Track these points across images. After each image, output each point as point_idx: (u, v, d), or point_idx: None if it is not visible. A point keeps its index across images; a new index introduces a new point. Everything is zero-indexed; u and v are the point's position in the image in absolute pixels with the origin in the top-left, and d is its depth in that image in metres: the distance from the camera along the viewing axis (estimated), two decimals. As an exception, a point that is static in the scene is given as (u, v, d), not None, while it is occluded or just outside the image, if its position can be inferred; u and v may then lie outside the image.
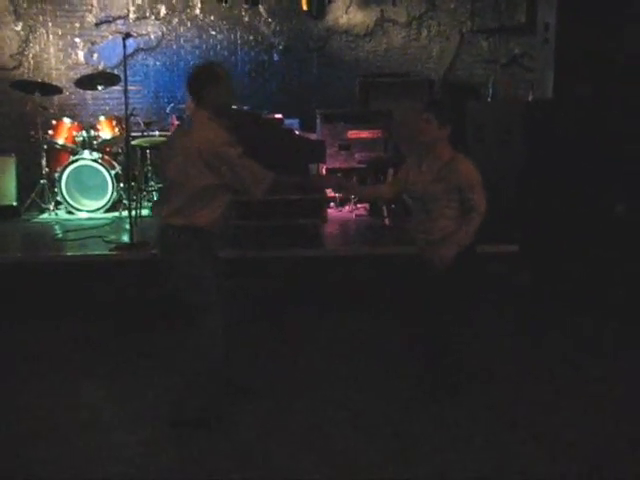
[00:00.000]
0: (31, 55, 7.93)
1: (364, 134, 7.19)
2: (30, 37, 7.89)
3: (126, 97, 5.73)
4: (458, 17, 8.18)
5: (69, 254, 5.65)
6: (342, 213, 6.97)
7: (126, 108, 5.77)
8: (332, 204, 7.00)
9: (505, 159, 5.98)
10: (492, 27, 7.90)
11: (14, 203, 6.99)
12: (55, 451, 3.38)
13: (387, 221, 6.48)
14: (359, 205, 7.09)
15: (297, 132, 6.58)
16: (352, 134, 7.17)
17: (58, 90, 7.26)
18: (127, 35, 5.68)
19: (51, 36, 7.95)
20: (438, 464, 3.23)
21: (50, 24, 7.92)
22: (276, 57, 8.34)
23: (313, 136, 7.08)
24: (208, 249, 3.54)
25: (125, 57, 5.75)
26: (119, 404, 3.90)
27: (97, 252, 5.59)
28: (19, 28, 7.86)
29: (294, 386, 4.02)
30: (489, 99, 6.96)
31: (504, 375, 4.15)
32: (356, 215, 6.88)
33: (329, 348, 4.59)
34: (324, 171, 7.01)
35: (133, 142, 6.61)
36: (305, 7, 8.07)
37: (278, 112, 7.36)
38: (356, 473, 3.19)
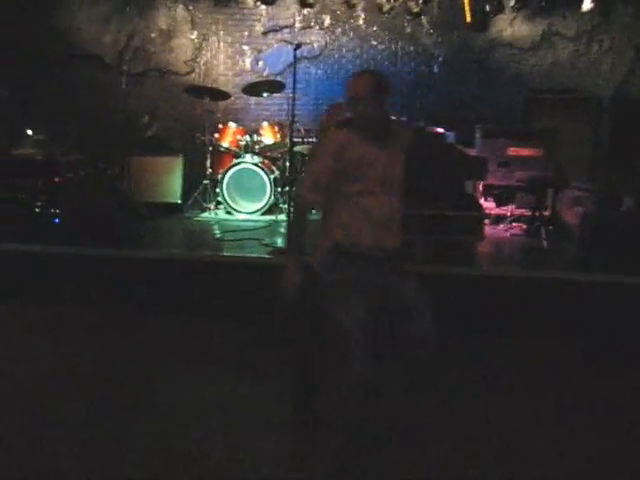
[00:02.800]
0: (202, 62, 8.37)
1: (525, 152, 6.96)
2: (203, 45, 8.34)
3: (293, 105, 5.89)
4: (634, 32, 7.74)
5: (229, 254, 5.88)
6: (496, 231, 6.79)
7: (292, 116, 5.94)
8: (487, 221, 6.83)
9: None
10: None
11: (178, 201, 7.39)
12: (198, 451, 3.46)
13: (545, 243, 6.23)
14: (514, 224, 6.88)
15: (458, 147, 6.48)
16: (513, 151, 6.96)
17: (227, 96, 7.60)
18: (298, 46, 5.84)
19: (221, 44, 8.35)
20: None
21: (221, 32, 8.32)
22: (436, 69, 8.27)
23: (472, 151, 6.95)
24: None
25: (294, 66, 5.92)
26: (265, 408, 3.95)
27: (256, 255, 5.77)
28: (194, 36, 8.33)
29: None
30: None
31: None
32: (511, 234, 6.67)
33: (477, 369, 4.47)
34: (481, 188, 6.88)
35: (294, 148, 6.77)
36: (468, 19, 7.95)
37: (434, 124, 7.29)
38: None
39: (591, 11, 7.73)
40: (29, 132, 7.03)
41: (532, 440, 3.59)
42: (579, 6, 7.67)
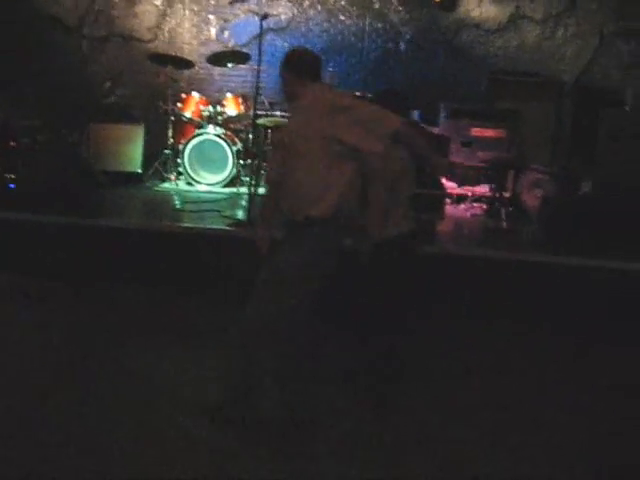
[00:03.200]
0: (167, 29, 8.20)
1: (488, 132, 7.01)
2: (167, 11, 8.15)
3: (258, 77, 5.82)
4: (600, 17, 7.81)
5: (188, 225, 5.82)
6: (457, 210, 6.84)
7: (257, 87, 5.87)
8: (448, 200, 6.87)
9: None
10: (636, 29, 7.50)
11: (139, 170, 7.25)
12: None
13: (504, 224, 6.30)
14: (475, 204, 6.94)
15: (422, 125, 6.48)
16: (476, 131, 7.01)
17: (190, 64, 7.44)
18: (264, 16, 5.75)
19: (187, 12, 8.18)
20: None
21: (187, 0, 8.15)
22: (403, 46, 8.24)
23: (436, 130, 6.97)
24: None
25: (260, 37, 5.83)
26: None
27: (215, 226, 5.71)
28: (158, 2, 8.14)
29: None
30: (627, 107, 6.61)
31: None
32: (471, 214, 6.73)
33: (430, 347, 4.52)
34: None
35: (258, 121, 6.70)
36: (437, -3, 7.94)
37: (400, 102, 7.29)
38: None
39: (559, -5, 7.78)
40: (-16, 94, 6.82)
41: (513, 426, 3.63)
42: (547, -11, 7.71)
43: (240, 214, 6.12)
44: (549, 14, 7.94)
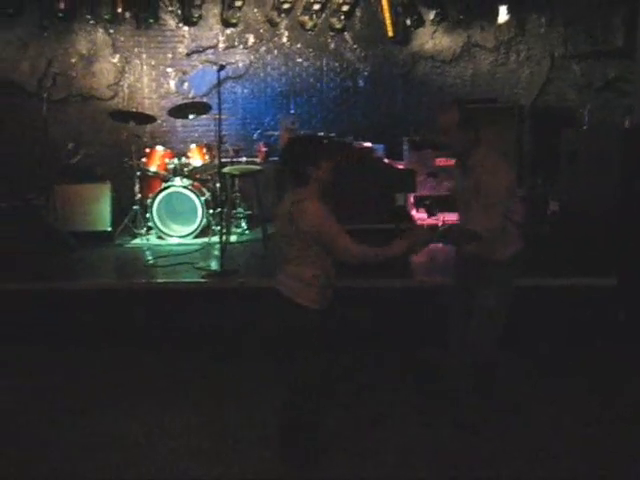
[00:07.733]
0: (126, 85, 8.25)
1: (452, 162, 7.05)
2: (125, 68, 8.21)
3: (219, 125, 5.86)
4: (549, 41, 8.03)
5: (161, 281, 5.76)
6: (429, 241, 6.85)
7: (219, 137, 5.90)
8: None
9: (601, 188, 5.75)
10: (586, 51, 7.70)
11: (108, 228, 7.21)
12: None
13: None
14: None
15: (386, 160, 6.54)
16: (440, 161, 7.07)
17: (152, 119, 7.47)
18: (221, 67, 5.79)
19: (145, 67, 8.24)
20: None
21: (144, 55, 8.22)
22: (361, 83, 8.37)
23: (401, 163, 7.03)
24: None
25: (218, 87, 5.89)
26: (204, 434, 3.92)
27: (189, 279, 5.66)
28: (116, 60, 8.19)
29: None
30: (584, 126, 6.73)
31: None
32: (443, 244, 6.74)
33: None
34: (412, 199, 6.95)
35: (224, 169, 6.71)
36: (390, 33, 8.08)
37: (363, 138, 7.38)
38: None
39: (507, 23, 7.96)
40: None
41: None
42: (496, 18, 7.88)
43: (213, 264, 6.08)
44: (500, 41, 8.13)
